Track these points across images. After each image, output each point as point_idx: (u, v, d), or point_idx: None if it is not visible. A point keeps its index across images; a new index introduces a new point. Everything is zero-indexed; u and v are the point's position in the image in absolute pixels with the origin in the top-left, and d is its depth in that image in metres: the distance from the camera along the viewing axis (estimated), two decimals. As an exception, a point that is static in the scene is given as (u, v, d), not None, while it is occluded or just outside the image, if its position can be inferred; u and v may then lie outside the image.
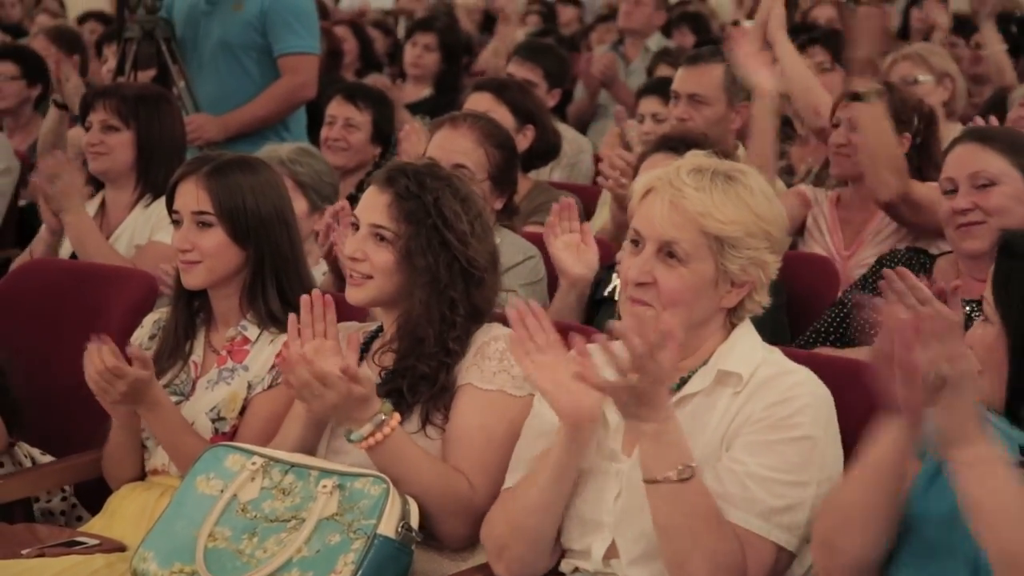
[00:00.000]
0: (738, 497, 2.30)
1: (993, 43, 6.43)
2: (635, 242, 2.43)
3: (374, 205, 2.74)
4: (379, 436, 2.56)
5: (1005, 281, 2.16)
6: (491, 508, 2.53)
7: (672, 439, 2.28)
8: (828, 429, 2.38)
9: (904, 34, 8.05)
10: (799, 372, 2.43)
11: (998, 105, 5.41)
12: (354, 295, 2.77)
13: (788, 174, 4.93)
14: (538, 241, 3.62)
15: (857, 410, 2.52)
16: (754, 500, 2.29)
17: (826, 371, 2.51)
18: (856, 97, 3.77)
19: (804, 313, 3.53)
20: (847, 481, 2.20)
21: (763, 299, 2.47)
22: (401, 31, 8.93)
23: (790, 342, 3.37)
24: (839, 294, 3.54)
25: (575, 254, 3.39)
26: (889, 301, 2.87)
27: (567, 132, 5.42)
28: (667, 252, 2.38)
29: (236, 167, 3.04)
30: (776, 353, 2.49)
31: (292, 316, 2.69)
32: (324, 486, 2.54)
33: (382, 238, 2.72)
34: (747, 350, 2.45)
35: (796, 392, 2.37)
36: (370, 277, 2.73)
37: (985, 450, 1.99)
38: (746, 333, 2.48)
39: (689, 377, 2.44)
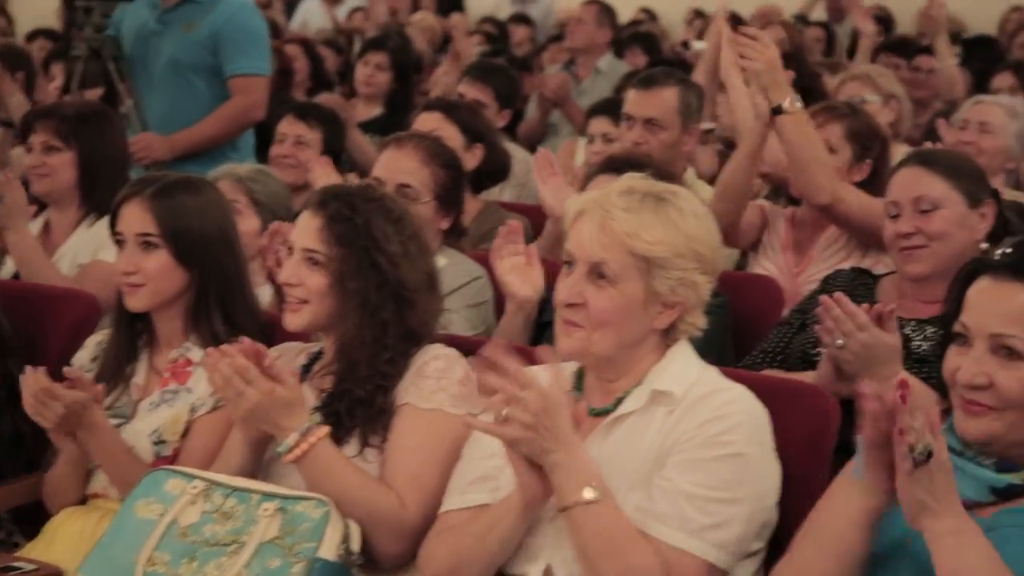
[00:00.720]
0: (668, 514, 2.30)
1: (946, 57, 6.51)
2: (568, 264, 2.44)
3: (307, 229, 2.74)
4: (305, 446, 2.55)
5: None
6: (430, 534, 2.52)
7: (577, 465, 2.28)
8: (762, 446, 2.39)
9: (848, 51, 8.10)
10: (733, 390, 2.44)
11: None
12: (290, 320, 2.77)
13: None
14: (486, 262, 3.62)
15: (798, 431, 2.55)
16: (684, 517, 2.30)
17: (767, 391, 2.52)
18: (777, 111, 3.79)
19: (749, 334, 3.54)
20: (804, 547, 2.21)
21: (697, 320, 2.48)
22: (358, 49, 8.93)
23: (735, 363, 3.38)
24: (785, 313, 3.55)
25: (521, 276, 3.39)
26: (826, 328, 2.90)
27: (517, 152, 5.43)
28: (597, 273, 2.39)
29: (181, 188, 3.02)
30: (711, 371, 2.50)
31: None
32: (266, 509, 2.52)
33: (315, 262, 2.72)
34: (682, 369, 2.45)
35: (729, 409, 2.37)
36: (305, 302, 2.73)
37: (960, 521, 2.01)
38: (681, 352, 2.48)
39: (624, 397, 2.45)
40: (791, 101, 3.76)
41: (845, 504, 2.15)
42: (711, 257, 2.44)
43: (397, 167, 3.62)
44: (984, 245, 3.15)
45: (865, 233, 3.86)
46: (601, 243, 2.39)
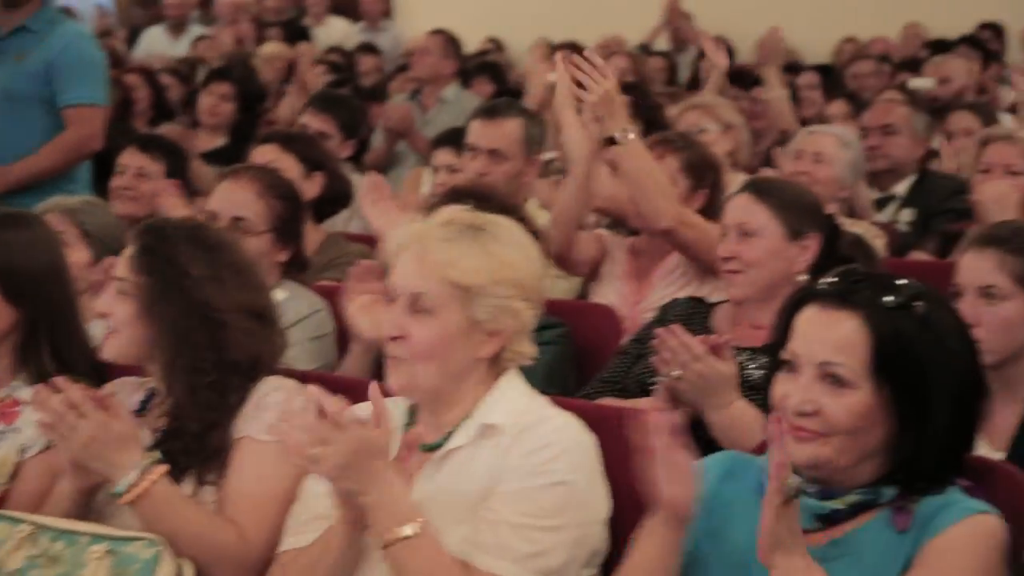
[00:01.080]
0: (491, 544, 2.31)
1: (775, 88, 6.64)
2: (393, 298, 2.45)
3: (120, 259, 2.75)
4: (145, 484, 2.51)
5: (899, 344, 2.16)
6: (269, 573, 2.48)
7: (394, 503, 2.27)
8: (587, 474, 2.40)
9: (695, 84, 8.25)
10: (558, 418, 2.45)
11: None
12: (105, 350, 2.77)
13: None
14: (329, 294, 3.59)
15: (629, 459, 2.57)
16: (507, 547, 2.31)
17: (604, 420, 2.54)
18: (611, 141, 3.83)
19: (590, 363, 3.57)
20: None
21: (524, 348, 2.49)
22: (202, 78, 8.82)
23: (574, 392, 3.40)
24: (624, 342, 3.59)
25: (371, 316, 3.37)
26: (663, 359, 2.95)
27: (362, 182, 5.40)
28: (416, 305, 2.40)
29: (8, 223, 2.96)
30: (539, 400, 2.52)
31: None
32: (94, 552, 2.47)
33: (124, 291, 2.72)
34: (510, 400, 2.46)
35: (553, 438, 2.39)
36: (117, 331, 2.72)
37: (808, 561, 2.05)
38: (510, 383, 2.49)
39: (453, 432, 2.45)
40: (624, 132, 3.81)
41: (652, 535, 2.21)
42: (531, 284, 2.46)
43: (232, 200, 3.58)
44: (801, 277, 3.23)
45: (705, 258, 3.92)
46: (419, 274, 2.40)
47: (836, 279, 2.23)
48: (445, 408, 2.45)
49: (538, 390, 3.27)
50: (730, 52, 9.31)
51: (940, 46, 8.82)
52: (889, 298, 2.17)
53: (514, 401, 2.46)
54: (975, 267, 2.92)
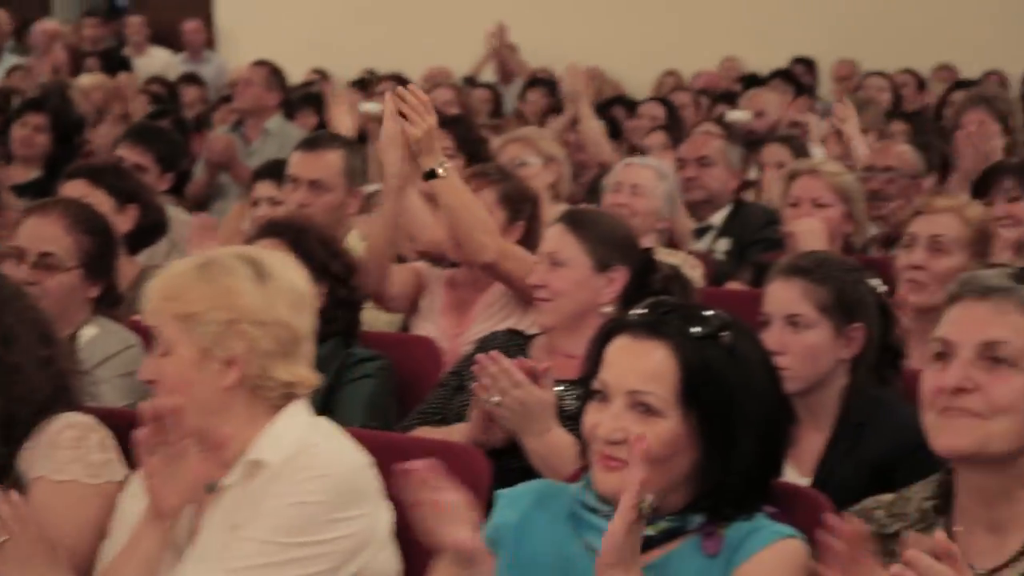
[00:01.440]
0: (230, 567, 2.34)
1: (588, 119, 6.71)
2: None
3: None
4: None
5: (706, 373, 2.20)
6: None
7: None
8: (348, 499, 2.43)
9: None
10: (327, 445, 2.47)
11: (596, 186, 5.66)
12: None
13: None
14: (143, 330, 3.52)
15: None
16: (236, 555, 2.34)
17: (420, 452, 2.52)
18: (430, 175, 3.85)
19: (410, 395, 3.56)
20: None
21: (283, 374, 2.48)
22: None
23: (392, 425, 3.40)
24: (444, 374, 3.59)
25: None
26: (483, 386, 2.97)
27: (181, 215, 5.31)
28: (159, 345, 2.43)
29: None
30: (321, 430, 2.52)
31: None
32: None
33: None
34: (283, 434, 2.46)
35: (315, 463, 2.41)
36: None
37: None
38: (287, 416, 2.49)
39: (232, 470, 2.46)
40: (443, 166, 3.83)
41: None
42: (261, 308, 2.45)
43: (39, 235, 3.49)
44: (607, 308, 3.28)
45: (527, 290, 3.94)
46: (153, 311, 2.43)
47: (646, 310, 2.27)
48: (218, 447, 2.44)
49: (358, 424, 3.29)
50: (553, 84, 9.48)
51: (753, 80, 9.04)
52: (696, 328, 2.21)
53: (287, 433, 2.46)
54: (781, 296, 3.00)
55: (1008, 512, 2.07)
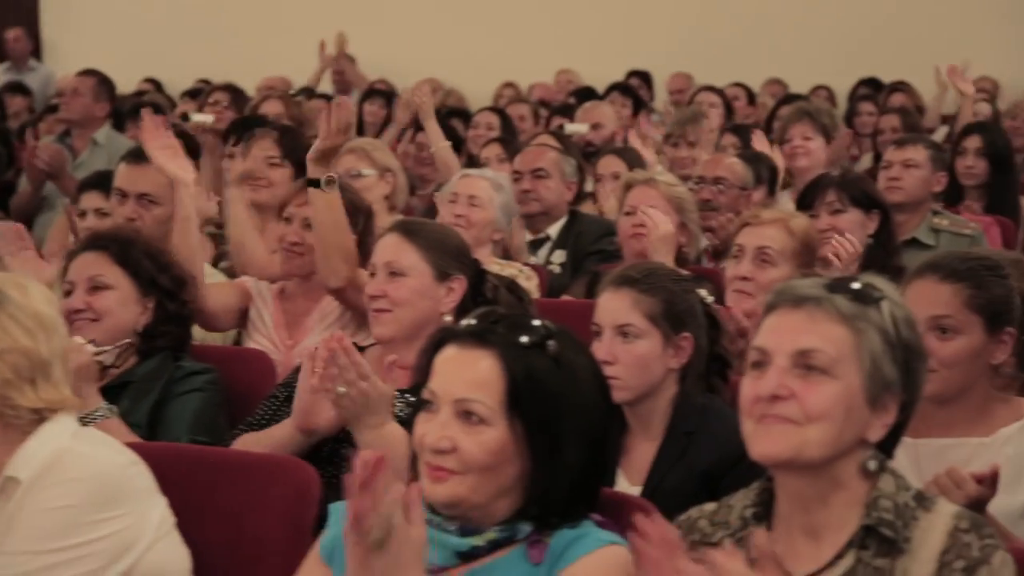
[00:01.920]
0: None
1: (437, 140, 6.72)
2: None
3: None
4: None
5: (532, 381, 2.19)
6: None
7: None
8: (100, 502, 2.45)
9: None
10: (78, 450, 2.48)
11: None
12: None
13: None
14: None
15: (280, 503, 2.59)
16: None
17: (248, 465, 2.59)
18: (313, 183, 3.82)
19: (242, 408, 3.50)
20: None
21: (27, 401, 2.48)
22: None
23: (223, 439, 3.35)
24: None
25: None
26: (330, 375, 2.93)
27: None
28: None
29: None
30: (75, 438, 2.52)
31: None
32: None
33: None
34: (36, 450, 2.48)
35: (64, 469, 2.43)
36: None
37: None
38: (46, 432, 2.50)
39: None
40: (329, 180, 3.82)
41: None
42: (27, 327, 2.48)
43: None
44: (448, 318, 3.27)
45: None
46: None
47: (475, 320, 2.27)
48: None
49: (186, 438, 3.23)
50: (392, 96, 9.46)
51: (589, 93, 9.13)
52: (523, 337, 2.21)
53: (43, 448, 2.47)
54: (611, 307, 3.02)
55: (824, 517, 2.10)
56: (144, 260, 3.48)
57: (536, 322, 2.26)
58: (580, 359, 2.27)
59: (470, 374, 2.20)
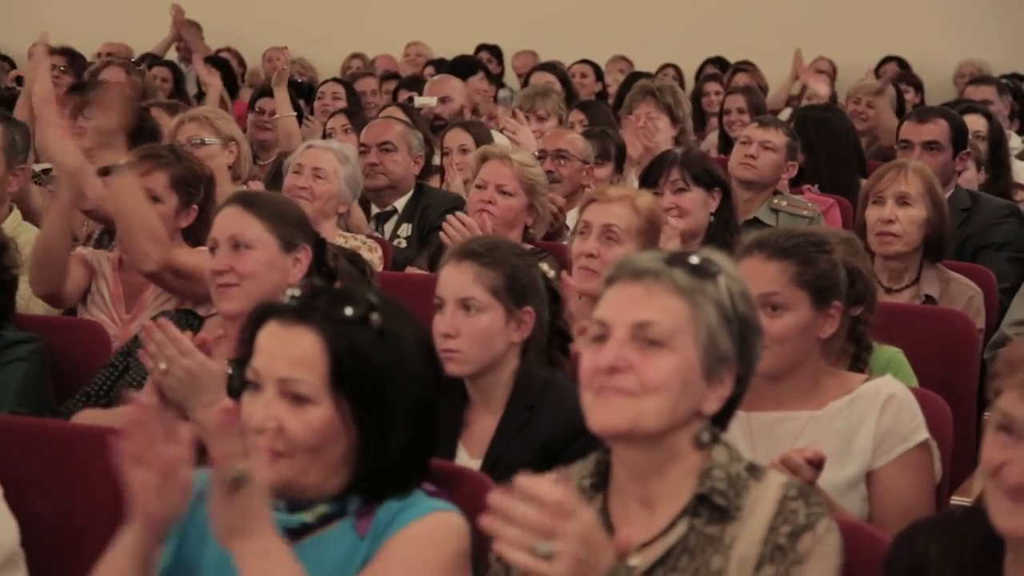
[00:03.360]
0: None
1: (283, 109, 6.67)
2: None
3: None
4: None
5: (355, 357, 2.15)
6: None
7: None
8: None
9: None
10: None
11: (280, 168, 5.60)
12: None
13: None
14: None
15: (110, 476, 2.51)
16: None
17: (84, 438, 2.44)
18: (106, 172, 3.71)
19: (76, 381, 3.42)
20: None
21: None
22: None
23: (54, 408, 3.26)
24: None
25: None
26: (150, 353, 2.87)
27: None
28: None
29: None
30: None
31: None
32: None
33: None
34: None
35: None
36: None
37: (269, 541, 2.04)
38: None
39: None
40: (120, 165, 3.70)
41: (123, 549, 2.14)
42: None
43: None
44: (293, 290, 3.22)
45: (198, 295, 3.82)
46: None
47: (296, 294, 2.22)
48: None
49: (8, 409, 3.14)
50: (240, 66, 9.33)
51: (442, 65, 9.11)
52: (345, 311, 2.17)
53: None
54: (454, 280, 3.01)
55: (659, 488, 2.12)
56: None
57: (359, 295, 2.21)
58: (406, 330, 2.23)
59: (292, 352, 2.15)
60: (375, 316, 2.18)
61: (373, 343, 2.17)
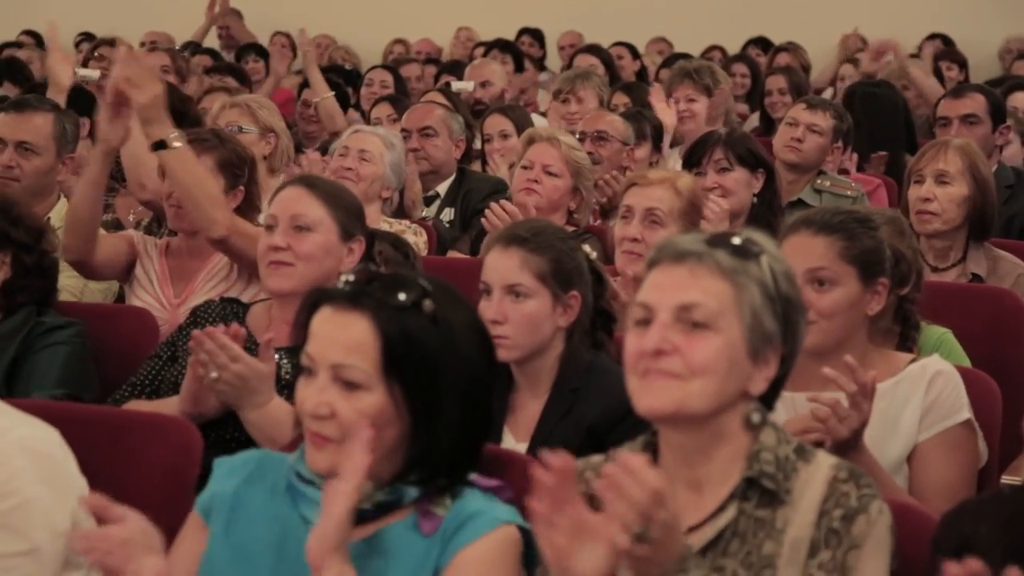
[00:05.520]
0: None
1: (321, 91, 6.70)
2: None
3: None
4: None
5: (407, 343, 2.15)
6: None
7: None
8: (50, 483, 2.35)
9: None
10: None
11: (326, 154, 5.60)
12: None
13: (116, 227, 4.83)
14: None
15: (160, 464, 2.53)
16: None
17: (129, 426, 2.50)
18: (159, 146, 3.73)
19: (123, 367, 3.45)
20: None
21: None
22: None
23: (102, 393, 3.29)
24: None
25: None
26: (200, 361, 2.89)
27: None
28: None
29: None
30: None
31: None
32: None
33: None
34: None
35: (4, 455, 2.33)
36: None
37: (345, 568, 2.05)
38: None
39: None
40: (174, 137, 3.71)
41: (190, 544, 2.17)
42: None
43: None
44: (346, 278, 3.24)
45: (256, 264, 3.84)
46: None
47: (350, 280, 2.22)
48: None
49: (47, 393, 3.17)
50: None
51: (491, 47, 9.12)
52: (398, 297, 2.17)
53: None
54: (500, 266, 3.01)
55: (707, 471, 2.12)
56: None
57: (411, 280, 2.21)
58: (458, 315, 2.23)
59: (345, 338, 2.15)
60: (427, 302, 2.17)
61: (425, 329, 2.16)
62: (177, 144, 3.70)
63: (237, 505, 2.25)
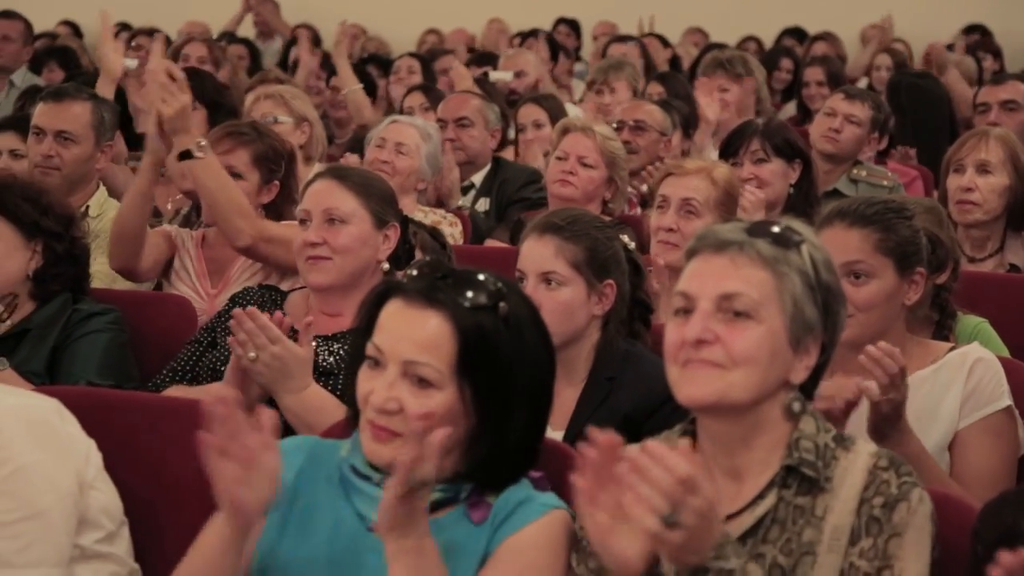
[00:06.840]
0: None
1: (349, 82, 6.71)
2: None
3: None
4: None
5: (483, 344, 2.14)
6: None
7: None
8: (45, 449, 2.41)
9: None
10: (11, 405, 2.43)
11: (358, 144, 5.62)
12: None
13: (155, 216, 4.85)
14: None
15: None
16: None
17: (169, 411, 2.46)
18: (184, 155, 3.75)
19: (162, 354, 3.47)
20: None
21: None
22: None
23: (141, 379, 3.31)
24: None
25: None
26: (239, 341, 2.90)
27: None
28: None
29: None
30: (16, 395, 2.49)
31: None
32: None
33: None
34: None
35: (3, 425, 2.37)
36: None
37: (418, 543, 2.06)
38: None
39: None
40: (199, 147, 3.73)
41: (212, 539, 2.16)
42: None
43: None
44: (385, 266, 3.26)
45: (289, 266, 3.84)
46: None
47: (421, 274, 2.19)
48: None
49: (86, 380, 3.20)
50: (317, 41, 9.39)
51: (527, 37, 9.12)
52: (477, 298, 2.15)
53: None
54: (535, 254, 3.01)
55: (746, 459, 2.12)
56: (23, 204, 3.38)
57: (483, 278, 2.18)
58: (526, 313, 2.21)
59: (419, 335, 2.13)
60: (503, 304, 2.16)
61: (500, 330, 2.15)
62: (201, 154, 3.72)
63: (296, 493, 2.24)
